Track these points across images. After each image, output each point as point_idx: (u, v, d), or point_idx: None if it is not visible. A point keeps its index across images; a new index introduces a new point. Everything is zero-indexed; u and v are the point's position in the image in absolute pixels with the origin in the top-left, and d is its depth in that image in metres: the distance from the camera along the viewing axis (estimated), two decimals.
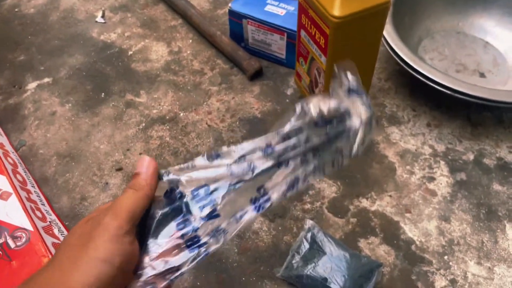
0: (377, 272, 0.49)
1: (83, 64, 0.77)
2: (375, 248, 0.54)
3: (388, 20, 0.64)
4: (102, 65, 0.77)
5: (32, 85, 0.74)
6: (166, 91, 0.72)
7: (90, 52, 0.79)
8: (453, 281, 0.51)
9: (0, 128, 0.67)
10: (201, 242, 0.34)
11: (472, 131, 0.65)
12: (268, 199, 0.35)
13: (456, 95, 0.59)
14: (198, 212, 0.35)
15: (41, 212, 0.54)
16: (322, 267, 0.48)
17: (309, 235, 0.51)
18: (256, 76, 0.73)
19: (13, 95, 0.73)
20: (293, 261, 0.50)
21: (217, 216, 0.35)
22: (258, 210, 0.35)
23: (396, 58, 0.63)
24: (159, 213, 0.35)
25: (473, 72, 0.70)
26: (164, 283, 0.34)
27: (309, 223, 0.52)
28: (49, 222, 0.54)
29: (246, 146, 0.36)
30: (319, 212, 0.57)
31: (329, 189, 0.59)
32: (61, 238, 0.53)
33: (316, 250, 0.49)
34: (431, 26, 0.75)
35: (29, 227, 0.51)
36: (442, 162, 0.62)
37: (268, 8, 0.71)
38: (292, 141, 0.35)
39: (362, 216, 0.56)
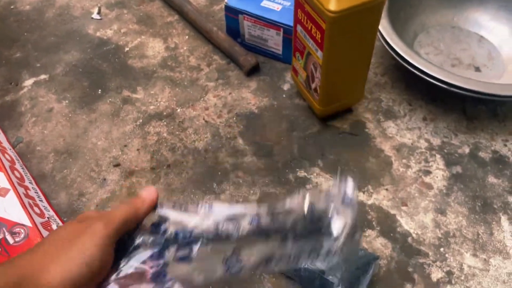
0: (374, 265, 0.49)
1: (80, 60, 0.77)
2: (372, 241, 0.54)
3: (384, 14, 0.64)
4: (99, 62, 0.77)
5: (28, 82, 0.74)
6: (163, 87, 0.72)
7: (87, 49, 0.79)
8: (449, 273, 0.52)
9: None
10: (166, 278, 0.36)
11: (467, 124, 0.66)
12: (240, 266, 0.37)
13: (452, 89, 0.59)
14: (174, 251, 0.36)
15: (39, 208, 0.55)
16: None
17: None
18: (252, 71, 0.73)
19: (9, 92, 0.73)
20: None
21: (190, 261, 0.36)
22: (227, 271, 0.37)
23: (392, 53, 0.63)
24: (140, 238, 0.37)
25: (468, 66, 0.71)
26: None
27: None
28: (48, 218, 0.54)
29: (238, 209, 0.37)
30: None
31: (326, 183, 0.59)
32: None
33: None
34: (426, 21, 0.76)
35: (28, 223, 0.51)
36: (438, 156, 0.62)
37: (264, 3, 0.71)
38: (280, 219, 0.37)
39: (359, 210, 0.57)
